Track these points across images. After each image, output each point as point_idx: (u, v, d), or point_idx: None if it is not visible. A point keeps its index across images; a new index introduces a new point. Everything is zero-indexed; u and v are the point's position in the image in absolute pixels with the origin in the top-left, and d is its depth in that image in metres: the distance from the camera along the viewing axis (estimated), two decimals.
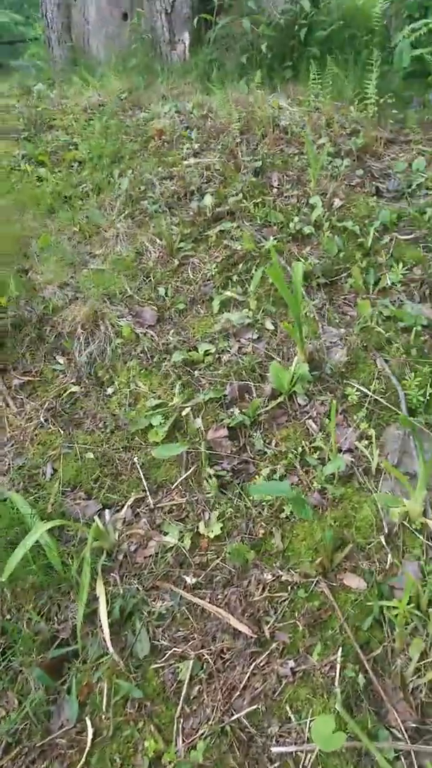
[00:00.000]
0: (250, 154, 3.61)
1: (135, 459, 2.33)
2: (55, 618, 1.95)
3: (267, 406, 2.40)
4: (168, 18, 4.79)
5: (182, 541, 2.11)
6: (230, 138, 3.77)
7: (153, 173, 3.48)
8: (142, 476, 2.29)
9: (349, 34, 4.52)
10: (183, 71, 4.83)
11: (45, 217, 3.25)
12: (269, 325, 2.66)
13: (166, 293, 2.82)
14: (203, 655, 1.81)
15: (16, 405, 2.49)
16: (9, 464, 2.32)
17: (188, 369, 2.55)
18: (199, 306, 2.80)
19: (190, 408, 2.41)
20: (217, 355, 2.58)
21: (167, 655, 1.83)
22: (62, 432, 2.41)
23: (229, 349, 2.59)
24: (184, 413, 2.39)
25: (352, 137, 3.76)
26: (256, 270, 2.85)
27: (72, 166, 3.72)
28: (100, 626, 1.86)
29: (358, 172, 3.45)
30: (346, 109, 4.18)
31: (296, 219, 3.07)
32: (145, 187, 3.36)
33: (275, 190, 3.34)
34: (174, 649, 1.84)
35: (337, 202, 3.19)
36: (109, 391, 2.54)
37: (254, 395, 2.45)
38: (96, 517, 2.14)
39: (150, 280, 2.88)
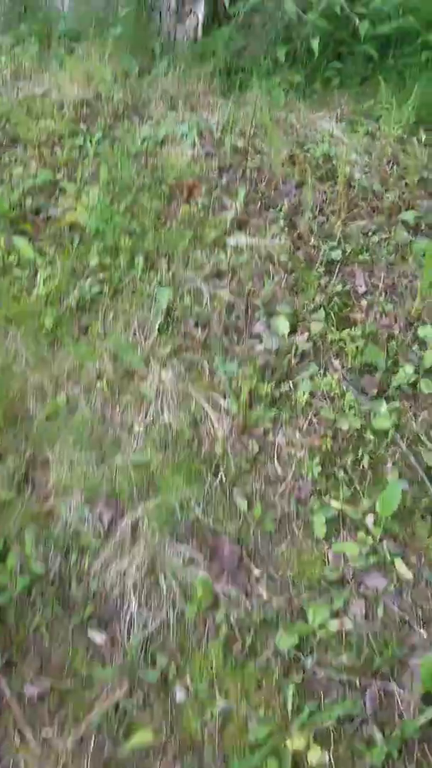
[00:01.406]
0: (319, 230, 2.67)
1: None
2: None
3: (415, 721, 1.68)
4: None
5: None
6: (287, 201, 2.79)
7: (193, 266, 2.49)
8: None
9: (416, 35, 3.51)
10: (193, 57, 3.63)
11: (42, 347, 2.22)
12: (402, 569, 1.89)
13: (247, 506, 1.96)
14: None
15: (37, 738, 1.63)
16: None
17: (297, 654, 1.77)
18: (294, 524, 1.97)
19: (310, 738, 1.65)
20: (336, 627, 1.80)
21: None
22: None
23: (352, 615, 1.82)
24: (305, 753, 1.63)
25: None
26: (370, 467, 2.04)
27: (65, 236, 2.62)
28: None
29: None
30: (410, 143, 3.25)
31: (406, 367, 2.24)
32: (187, 295, 2.38)
33: (364, 302, 2.46)
34: None
35: None
36: (180, 696, 1.72)
37: (397, 700, 1.72)
38: None
39: (220, 479, 2.00)
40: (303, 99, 3.47)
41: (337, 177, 2.93)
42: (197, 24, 3.59)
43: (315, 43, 3.35)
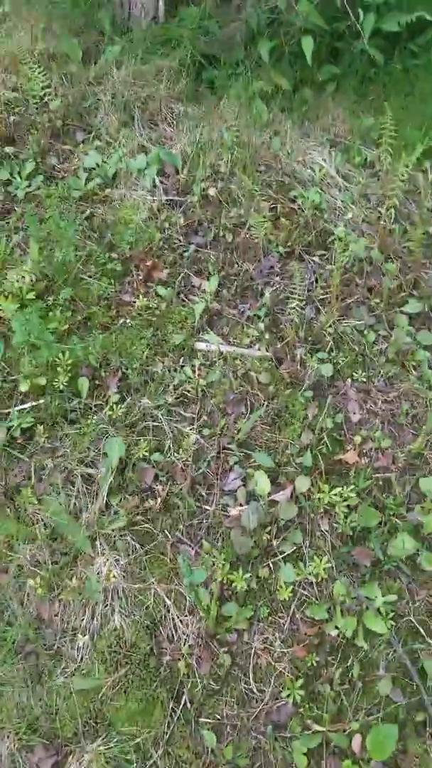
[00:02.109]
0: (307, 332, 2.40)
1: None
2: None
3: None
4: None
5: None
6: (269, 286, 2.48)
7: (153, 387, 2.19)
8: None
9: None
10: (153, 43, 3.12)
11: None
12: None
13: (216, 739, 1.80)
14: None
15: None
16: None
17: None
18: (271, 756, 1.83)
19: None
20: None
21: None
22: None
23: None
24: None
25: None
26: (360, 677, 1.89)
27: None
28: None
29: None
30: (415, 180, 2.94)
31: (405, 538, 2.07)
32: (145, 436, 2.11)
33: (358, 437, 2.24)
34: None
35: None
36: None
37: None
38: None
39: (184, 705, 1.82)
40: (290, 112, 3.06)
41: (329, 244, 2.63)
42: (157, 2, 3.06)
43: (307, 44, 2.91)
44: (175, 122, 2.91)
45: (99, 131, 2.82)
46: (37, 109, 2.81)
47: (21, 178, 2.58)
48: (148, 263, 2.32)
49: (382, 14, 3.05)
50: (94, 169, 2.67)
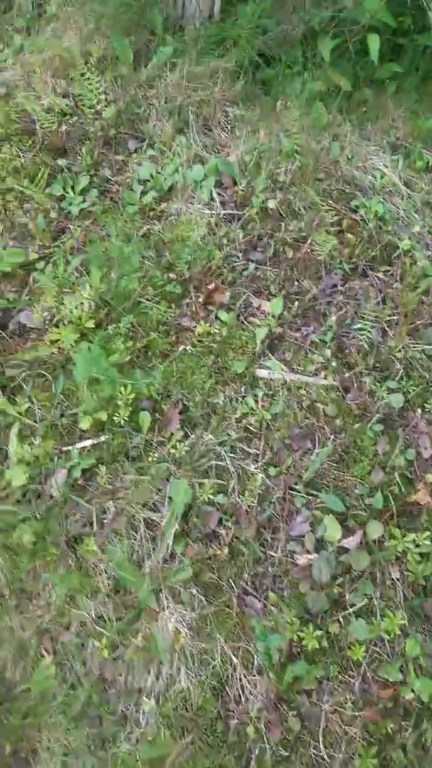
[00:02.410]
0: (375, 358, 2.07)
1: None
2: None
3: None
4: None
5: None
6: (333, 307, 2.15)
7: (216, 422, 1.90)
8: None
9: None
10: (207, 43, 2.73)
11: (19, 573, 1.68)
12: None
13: None
14: None
15: None
16: None
17: None
18: None
19: None
20: None
21: None
22: None
23: None
24: None
25: None
26: None
27: (50, 380, 1.97)
28: None
29: None
30: None
31: None
32: (208, 477, 1.82)
33: (430, 476, 1.93)
34: None
35: None
36: None
37: None
38: None
39: None
40: (349, 113, 2.67)
41: (394, 259, 2.27)
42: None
43: (373, 41, 2.50)
44: (230, 127, 2.54)
45: (152, 139, 2.46)
46: (90, 117, 2.46)
47: (75, 193, 2.26)
48: (210, 285, 2.00)
49: None
50: (148, 181, 2.33)
